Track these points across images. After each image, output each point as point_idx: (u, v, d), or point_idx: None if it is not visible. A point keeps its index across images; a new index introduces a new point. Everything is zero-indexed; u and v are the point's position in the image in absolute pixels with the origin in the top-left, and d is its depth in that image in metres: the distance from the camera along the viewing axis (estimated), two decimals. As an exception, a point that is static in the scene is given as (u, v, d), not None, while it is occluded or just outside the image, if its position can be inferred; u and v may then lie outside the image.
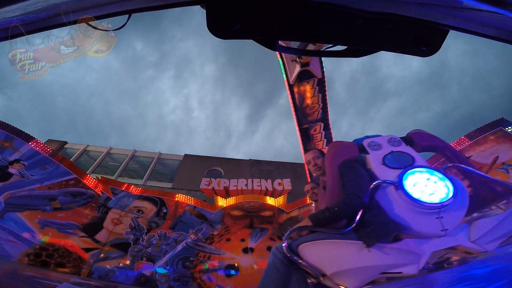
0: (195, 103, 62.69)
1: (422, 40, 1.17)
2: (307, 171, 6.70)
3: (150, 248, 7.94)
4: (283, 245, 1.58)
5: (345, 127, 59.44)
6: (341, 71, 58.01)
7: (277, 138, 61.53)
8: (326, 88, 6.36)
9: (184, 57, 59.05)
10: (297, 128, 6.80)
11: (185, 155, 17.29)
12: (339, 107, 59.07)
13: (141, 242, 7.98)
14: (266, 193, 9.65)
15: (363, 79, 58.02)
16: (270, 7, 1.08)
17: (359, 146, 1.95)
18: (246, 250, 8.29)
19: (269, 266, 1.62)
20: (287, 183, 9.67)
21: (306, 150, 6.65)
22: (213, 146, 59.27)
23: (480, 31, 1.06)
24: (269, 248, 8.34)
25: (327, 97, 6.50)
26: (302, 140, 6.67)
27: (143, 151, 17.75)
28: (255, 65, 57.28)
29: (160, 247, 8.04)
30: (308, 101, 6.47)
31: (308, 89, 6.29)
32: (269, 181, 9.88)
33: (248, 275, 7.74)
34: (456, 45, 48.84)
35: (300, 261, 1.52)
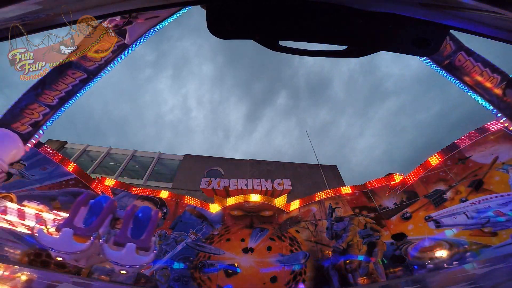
0: (193, 102, 62.70)
1: (422, 40, 1.17)
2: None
3: (150, 248, 7.94)
4: None
5: (343, 127, 59.52)
6: (339, 71, 58.09)
7: (276, 138, 61.55)
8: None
9: (182, 56, 59.08)
10: (439, 68, 6.53)
11: (185, 155, 17.29)
12: (338, 107, 59.12)
13: (141, 242, 7.98)
14: (266, 193, 9.66)
15: (361, 78, 58.05)
16: (270, 7, 1.08)
17: None
18: (246, 250, 8.29)
19: None
20: (287, 183, 9.69)
21: (464, 81, 6.40)
22: (211, 146, 59.25)
23: (480, 31, 1.06)
24: (269, 248, 8.35)
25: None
26: (452, 74, 6.41)
27: (143, 151, 17.74)
28: (252, 65, 57.34)
29: (160, 247, 8.03)
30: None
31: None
32: (269, 181, 9.89)
33: (248, 275, 7.74)
34: (455, 45, 48.81)
35: None
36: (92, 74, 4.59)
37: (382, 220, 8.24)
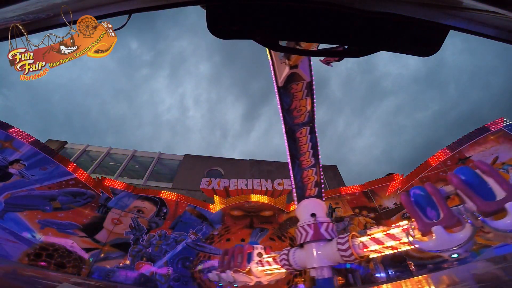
0: (190, 102, 62.58)
1: (422, 40, 1.16)
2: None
3: (150, 248, 7.94)
4: None
5: (341, 126, 59.45)
6: (337, 70, 58.00)
7: (274, 137, 61.44)
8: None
9: (179, 56, 58.95)
10: None
11: (185, 155, 17.28)
12: (335, 106, 59.04)
13: (141, 242, 7.98)
14: (266, 193, 9.65)
15: (359, 78, 57.95)
16: (270, 7, 1.08)
17: None
18: (246, 250, 8.29)
19: None
20: (287, 183, 9.69)
21: None
22: (209, 145, 59.04)
23: (480, 31, 1.06)
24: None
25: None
26: None
27: (143, 151, 17.74)
28: (250, 64, 57.22)
29: (160, 247, 8.03)
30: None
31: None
32: (269, 181, 9.89)
33: (248, 275, 7.73)
34: (453, 43, 48.78)
35: None
36: (310, 122, 5.03)
37: (382, 220, 8.23)
